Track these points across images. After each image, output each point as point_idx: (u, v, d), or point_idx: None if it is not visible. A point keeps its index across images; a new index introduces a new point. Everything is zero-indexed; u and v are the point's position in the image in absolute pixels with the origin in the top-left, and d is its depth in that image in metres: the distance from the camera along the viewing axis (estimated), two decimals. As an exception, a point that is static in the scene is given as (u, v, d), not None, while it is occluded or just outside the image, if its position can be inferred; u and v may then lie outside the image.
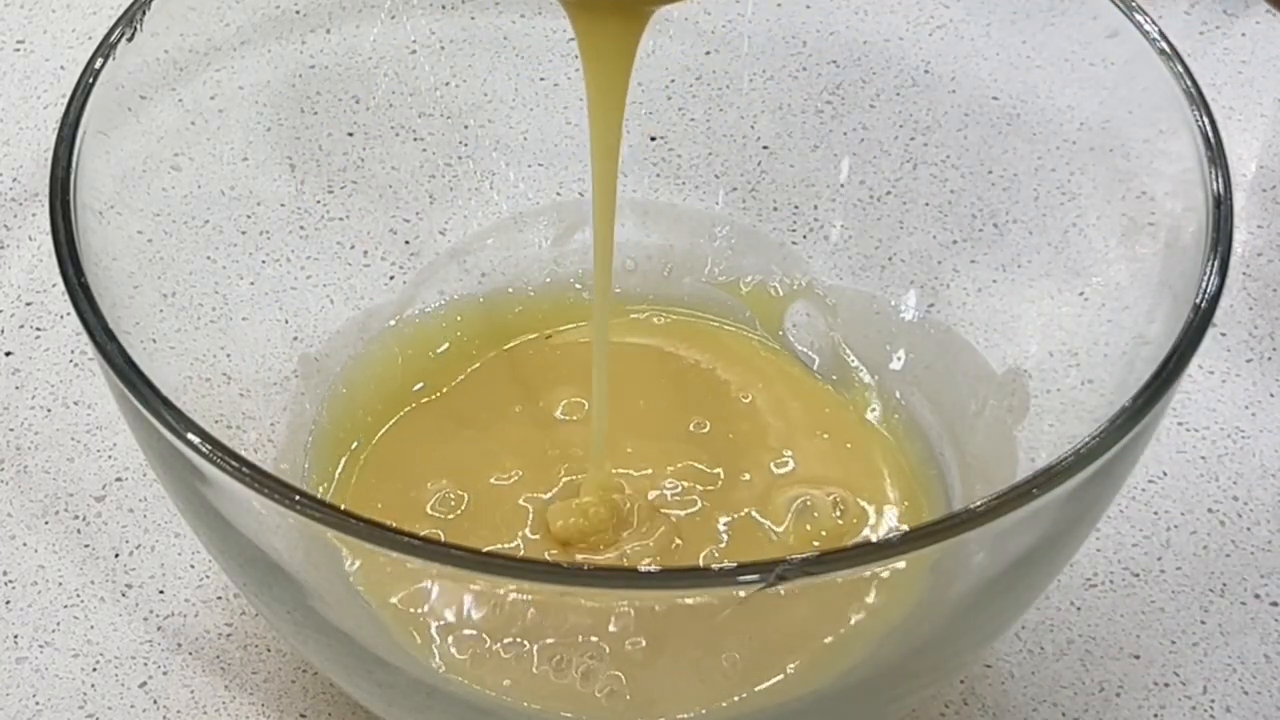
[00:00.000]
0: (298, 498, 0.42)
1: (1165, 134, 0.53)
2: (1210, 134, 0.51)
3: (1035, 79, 0.61)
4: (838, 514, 0.58)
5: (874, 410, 0.61)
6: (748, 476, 0.59)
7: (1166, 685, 0.58)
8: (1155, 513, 0.62)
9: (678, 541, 0.57)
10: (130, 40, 0.53)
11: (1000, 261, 0.61)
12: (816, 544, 0.57)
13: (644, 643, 0.50)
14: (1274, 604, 0.60)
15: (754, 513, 0.58)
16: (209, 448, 0.43)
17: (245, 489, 0.43)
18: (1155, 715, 0.57)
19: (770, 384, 0.62)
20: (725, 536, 0.57)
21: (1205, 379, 0.66)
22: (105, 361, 0.46)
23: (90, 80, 0.52)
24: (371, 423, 0.60)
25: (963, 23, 0.64)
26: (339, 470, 0.59)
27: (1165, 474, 0.63)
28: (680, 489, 0.58)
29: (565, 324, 0.64)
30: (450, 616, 0.51)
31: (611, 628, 0.50)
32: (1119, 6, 0.54)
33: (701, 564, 0.54)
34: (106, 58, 0.52)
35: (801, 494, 0.58)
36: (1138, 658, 0.58)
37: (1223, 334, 0.67)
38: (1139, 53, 0.53)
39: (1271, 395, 0.65)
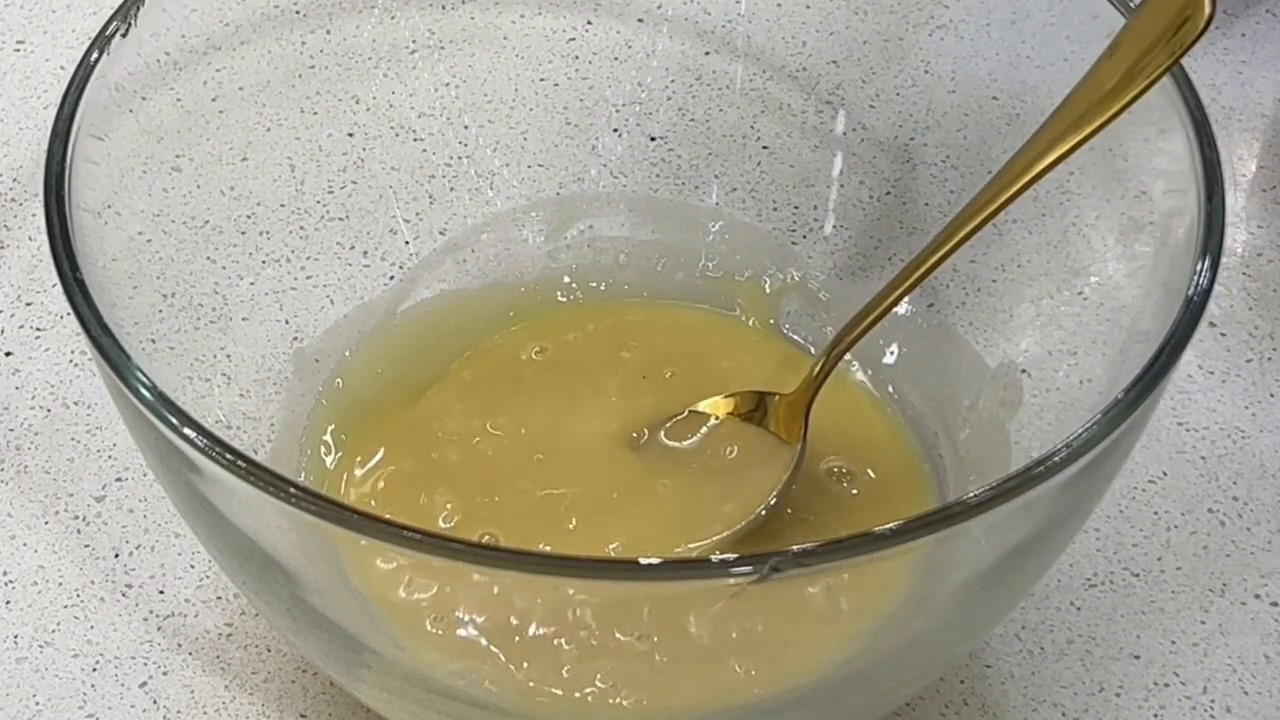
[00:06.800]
0: (291, 490, 0.42)
1: (1164, 133, 0.53)
2: (1202, 129, 0.51)
3: (1035, 79, 0.61)
4: (846, 483, 0.58)
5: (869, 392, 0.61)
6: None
7: (1166, 685, 0.58)
8: (1155, 513, 0.62)
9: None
10: (125, 35, 0.54)
11: (999, 261, 0.61)
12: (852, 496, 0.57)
13: (638, 635, 0.50)
14: (1274, 604, 0.60)
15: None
16: (203, 440, 0.43)
17: (238, 481, 0.43)
18: (1155, 715, 0.57)
19: (761, 363, 0.62)
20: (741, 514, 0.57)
21: (1205, 379, 0.66)
22: (99, 355, 0.46)
23: (85, 74, 0.52)
24: (367, 418, 0.60)
25: (962, 23, 0.64)
26: (333, 465, 0.59)
27: (1165, 474, 0.63)
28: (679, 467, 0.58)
29: (559, 320, 0.64)
30: (445, 609, 0.51)
31: (609, 621, 0.50)
32: (1118, 7, 0.54)
33: (697, 557, 0.54)
34: (102, 51, 0.53)
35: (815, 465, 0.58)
36: (1138, 658, 0.58)
37: (1223, 334, 0.67)
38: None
39: (1271, 395, 0.65)
